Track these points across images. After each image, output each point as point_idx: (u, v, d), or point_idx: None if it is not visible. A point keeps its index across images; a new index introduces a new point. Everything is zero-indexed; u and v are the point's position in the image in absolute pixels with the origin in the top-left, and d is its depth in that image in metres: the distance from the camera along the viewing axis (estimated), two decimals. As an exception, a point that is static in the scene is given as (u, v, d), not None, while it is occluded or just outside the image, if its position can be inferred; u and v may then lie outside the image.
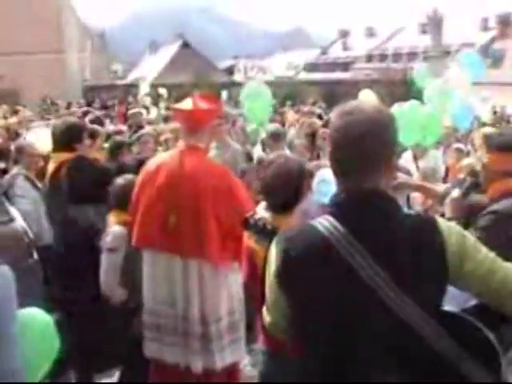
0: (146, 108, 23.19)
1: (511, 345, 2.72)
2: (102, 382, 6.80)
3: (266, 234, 3.85)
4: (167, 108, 24.34)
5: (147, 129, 11.24)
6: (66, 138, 6.73)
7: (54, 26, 47.07)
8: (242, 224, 4.09)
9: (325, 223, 2.63)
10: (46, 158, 7.87)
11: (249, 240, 4.24)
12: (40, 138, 12.14)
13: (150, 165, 5.67)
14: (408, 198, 7.39)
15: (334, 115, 2.77)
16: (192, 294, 5.34)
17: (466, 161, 9.97)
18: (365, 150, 2.62)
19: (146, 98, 27.19)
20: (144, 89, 32.70)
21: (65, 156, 6.66)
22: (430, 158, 10.28)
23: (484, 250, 2.66)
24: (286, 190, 4.13)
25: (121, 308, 6.55)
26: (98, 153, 8.11)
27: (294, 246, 2.69)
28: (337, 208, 2.69)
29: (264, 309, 3.06)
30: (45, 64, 44.72)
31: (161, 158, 5.70)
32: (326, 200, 5.88)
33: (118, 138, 8.92)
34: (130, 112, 17.28)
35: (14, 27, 46.01)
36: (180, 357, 5.49)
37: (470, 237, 2.68)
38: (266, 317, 3.06)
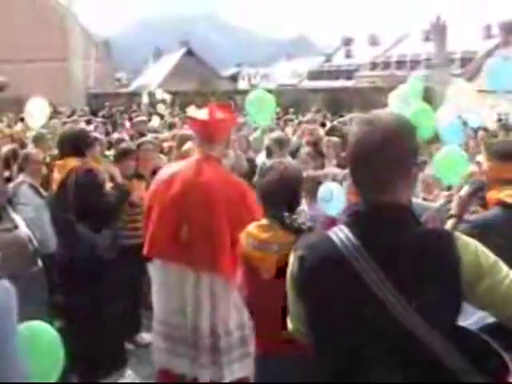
0: (161, 116, 23.11)
1: None
2: (102, 382, 6.82)
3: (302, 233, 3.85)
4: (171, 115, 24.33)
5: (148, 136, 11.23)
6: (76, 145, 6.73)
7: (58, 34, 47.16)
8: (279, 224, 4.11)
9: (339, 234, 2.65)
10: (51, 166, 7.88)
11: (248, 248, 4.23)
12: (37, 112, 12.16)
13: (164, 173, 5.67)
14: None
15: (353, 125, 2.75)
16: (203, 306, 5.35)
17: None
18: (383, 160, 2.59)
19: (161, 105, 27.07)
20: (146, 97, 32.66)
21: (73, 164, 6.66)
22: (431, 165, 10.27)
23: (504, 269, 2.59)
24: (283, 197, 4.13)
25: (120, 314, 6.60)
26: (95, 161, 8.07)
27: (310, 253, 2.73)
28: (352, 219, 2.70)
29: (288, 316, 3.08)
30: (49, 72, 44.82)
31: (176, 167, 5.67)
32: (331, 210, 5.87)
33: (124, 145, 8.91)
34: (135, 120, 17.26)
35: (17, 35, 46.17)
36: (188, 368, 5.49)
37: (490, 255, 2.61)
38: (289, 322, 3.09)
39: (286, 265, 2.96)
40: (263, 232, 4.13)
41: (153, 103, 30.07)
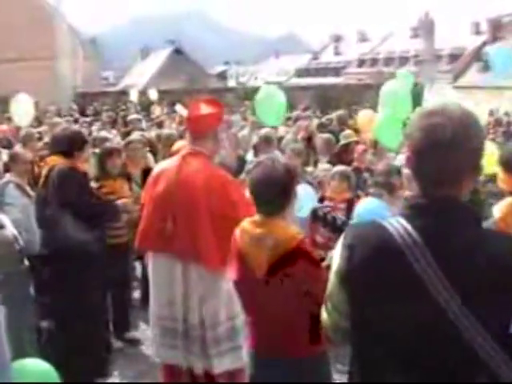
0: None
1: None
2: (102, 382, 6.82)
3: (335, 227, 3.79)
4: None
5: (136, 135, 11.18)
6: (66, 145, 6.70)
7: (45, 33, 47.00)
8: (311, 216, 4.06)
9: (395, 224, 2.51)
10: (40, 164, 7.84)
11: (242, 243, 4.19)
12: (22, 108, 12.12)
13: (156, 169, 5.85)
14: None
15: (417, 115, 2.61)
16: (191, 298, 5.41)
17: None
18: (452, 153, 2.46)
19: (154, 106, 27.01)
20: (133, 95, 32.62)
21: (58, 161, 6.64)
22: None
23: None
24: (272, 192, 4.08)
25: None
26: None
27: (361, 242, 2.59)
28: (412, 211, 2.56)
29: (323, 308, 2.90)
30: (36, 71, 44.68)
31: (164, 164, 5.82)
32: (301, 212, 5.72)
33: (108, 144, 8.88)
34: (130, 118, 17.15)
35: (4, 34, 46.01)
36: (182, 358, 5.57)
37: None
38: (324, 316, 2.90)
39: (278, 262, 2.90)
40: (256, 227, 4.09)
41: (143, 103, 30.01)
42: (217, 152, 5.77)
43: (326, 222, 3.87)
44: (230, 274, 4.32)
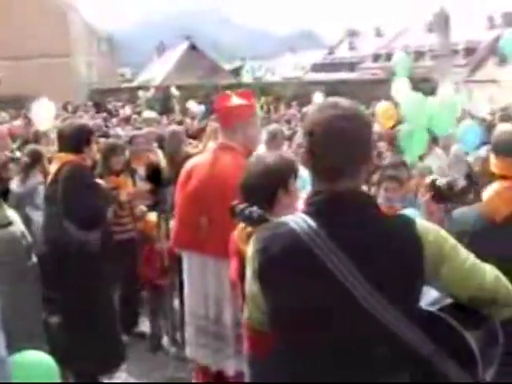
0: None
1: (489, 345, 2.69)
2: (102, 382, 6.82)
3: (252, 222, 3.78)
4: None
5: (144, 130, 11.20)
6: (74, 140, 6.67)
7: (60, 30, 47.18)
8: (229, 213, 4.03)
9: (301, 223, 2.59)
10: (50, 159, 7.85)
11: (239, 241, 4.18)
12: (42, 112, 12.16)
13: (188, 166, 5.73)
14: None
15: (312, 109, 2.72)
16: (225, 296, 5.33)
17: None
18: (347, 146, 2.56)
19: (193, 103, 26.96)
20: (150, 92, 32.65)
21: (68, 157, 6.60)
22: (434, 156, 10.25)
23: (464, 252, 2.66)
24: (259, 189, 4.06)
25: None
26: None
27: (269, 245, 2.66)
28: (313, 207, 2.64)
29: (245, 305, 3.03)
30: (51, 68, 44.80)
31: (196, 160, 5.74)
32: None
33: (111, 140, 8.91)
34: (146, 117, 17.07)
35: (20, 31, 46.13)
36: (211, 359, 5.52)
37: (450, 239, 2.66)
38: (245, 311, 3.03)
39: None
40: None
41: (166, 100, 29.95)
42: (249, 144, 5.61)
43: (243, 217, 3.86)
44: (230, 272, 4.32)
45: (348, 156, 2.58)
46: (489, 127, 13.11)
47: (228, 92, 5.82)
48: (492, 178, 4.00)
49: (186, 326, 5.83)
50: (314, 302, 2.56)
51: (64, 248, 6.34)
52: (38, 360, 3.78)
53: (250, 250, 2.79)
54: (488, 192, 3.92)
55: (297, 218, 2.63)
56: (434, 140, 10.67)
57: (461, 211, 4.09)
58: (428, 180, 8.51)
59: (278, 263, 2.63)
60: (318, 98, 20.30)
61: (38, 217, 7.34)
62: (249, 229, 4.02)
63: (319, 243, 2.52)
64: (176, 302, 7.35)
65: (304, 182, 4.99)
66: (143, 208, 7.93)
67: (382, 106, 13.56)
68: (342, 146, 2.56)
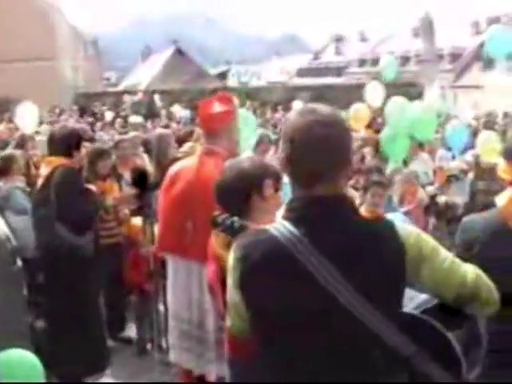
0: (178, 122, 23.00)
1: (472, 346, 2.74)
2: (102, 381, 6.83)
3: (234, 232, 3.78)
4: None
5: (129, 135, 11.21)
6: (65, 144, 6.67)
7: (46, 33, 47.03)
8: (211, 223, 4.03)
9: (281, 229, 2.60)
10: (38, 163, 7.82)
11: (216, 246, 4.19)
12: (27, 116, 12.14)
13: (172, 170, 5.74)
14: (390, 199, 7.39)
15: (292, 115, 2.73)
16: (208, 301, 5.27)
17: (452, 164, 10.02)
18: (326, 151, 2.59)
19: (177, 108, 26.90)
20: (128, 98, 32.59)
21: (61, 161, 6.61)
22: (420, 161, 10.31)
23: (443, 252, 2.68)
24: (232, 192, 4.06)
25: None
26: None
27: (250, 252, 2.66)
28: (294, 213, 2.65)
29: (227, 314, 3.03)
30: (37, 71, 44.66)
31: (180, 164, 5.75)
32: None
33: (98, 145, 8.92)
34: (132, 121, 17.03)
35: (5, 35, 45.91)
36: (195, 363, 5.52)
37: (429, 239, 2.69)
38: (227, 320, 3.02)
39: None
40: None
41: (151, 105, 29.89)
42: (233, 148, 5.65)
43: (224, 227, 3.87)
44: (208, 275, 4.33)
45: (327, 161, 2.59)
46: (474, 132, 13.21)
47: (209, 98, 5.82)
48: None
49: (170, 330, 5.83)
50: (296, 308, 2.56)
51: (55, 251, 6.33)
52: (23, 358, 3.77)
53: (230, 258, 2.78)
54: (502, 198, 3.93)
55: (277, 225, 2.64)
56: (420, 145, 10.72)
57: (470, 218, 4.09)
58: (429, 190, 8.66)
59: (260, 270, 2.63)
60: (298, 105, 20.42)
61: (16, 221, 7.28)
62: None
63: (301, 249, 2.53)
64: (161, 307, 7.35)
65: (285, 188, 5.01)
66: (126, 212, 7.93)
67: (353, 108, 13.62)
68: (321, 151, 2.58)
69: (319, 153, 2.57)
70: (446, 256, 2.68)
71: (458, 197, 8.81)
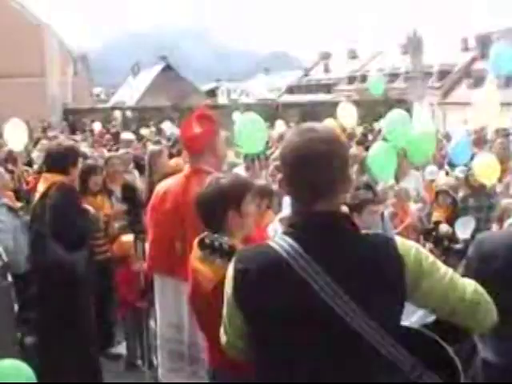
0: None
1: (471, 359, 2.76)
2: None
3: (222, 253, 3.81)
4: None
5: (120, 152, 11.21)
6: (62, 161, 6.68)
7: (35, 49, 46.90)
8: (198, 244, 4.04)
9: (281, 243, 2.64)
10: (37, 178, 7.80)
11: (193, 260, 4.18)
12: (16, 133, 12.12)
13: (159, 189, 5.67)
14: (382, 217, 7.38)
15: (291, 133, 2.77)
16: None
17: (442, 180, 10.02)
18: (325, 168, 2.63)
19: (167, 125, 26.82)
20: (118, 114, 32.60)
21: (57, 178, 6.59)
22: (412, 178, 10.31)
23: (443, 268, 2.71)
24: (209, 208, 4.11)
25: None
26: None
27: (250, 265, 2.70)
28: (294, 229, 2.70)
29: (221, 329, 3.05)
30: (25, 87, 44.53)
31: (169, 182, 5.67)
32: None
33: (89, 161, 8.91)
34: (124, 138, 17.02)
35: (-6, 51, 45.79)
36: (185, 381, 5.43)
37: (428, 255, 2.73)
38: (223, 336, 3.05)
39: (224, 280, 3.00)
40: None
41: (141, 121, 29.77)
42: (219, 163, 5.63)
43: (213, 249, 3.89)
44: (188, 292, 4.33)
45: (327, 178, 2.64)
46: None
47: (188, 118, 5.75)
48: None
49: (158, 349, 5.78)
50: (296, 320, 2.59)
51: (48, 268, 6.31)
52: (16, 368, 3.74)
53: (230, 270, 2.82)
54: None
55: (278, 239, 2.68)
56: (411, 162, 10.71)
57: (487, 235, 4.14)
58: (433, 218, 8.72)
59: (261, 282, 2.66)
60: (280, 125, 20.56)
61: (6, 239, 7.23)
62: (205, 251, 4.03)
63: (301, 262, 2.56)
64: (152, 323, 7.32)
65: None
66: (115, 228, 7.91)
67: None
68: (321, 168, 2.62)
69: (319, 170, 2.61)
70: (446, 271, 2.71)
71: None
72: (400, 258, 2.62)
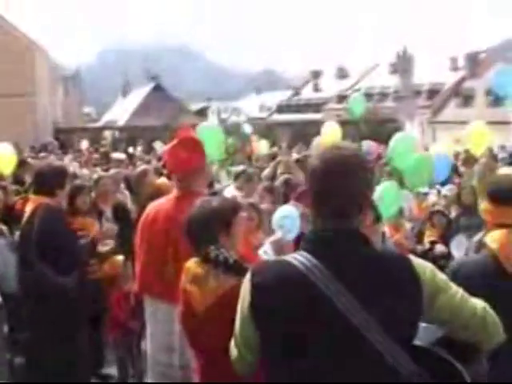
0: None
1: (481, 377, 2.81)
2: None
3: (227, 267, 3.81)
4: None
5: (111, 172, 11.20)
6: (49, 182, 6.63)
7: (25, 68, 46.92)
8: (203, 258, 4.04)
9: (300, 258, 2.69)
10: (25, 200, 7.79)
11: (185, 282, 4.17)
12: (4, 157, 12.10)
13: (150, 210, 5.67)
14: (383, 236, 7.39)
15: (316, 152, 2.84)
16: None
17: (433, 198, 10.04)
18: (347, 189, 2.73)
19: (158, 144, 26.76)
20: (108, 134, 32.63)
21: (43, 199, 6.55)
22: (404, 197, 10.30)
23: (454, 286, 2.81)
24: (199, 230, 4.13)
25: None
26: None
27: (266, 280, 2.76)
28: (313, 245, 2.75)
29: (232, 343, 3.07)
30: (15, 107, 44.45)
31: (159, 204, 5.67)
32: (291, 235, 5.88)
33: (78, 181, 8.89)
34: (115, 158, 17.00)
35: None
36: None
37: (440, 273, 2.82)
38: (233, 350, 3.06)
39: (217, 302, 2.99)
40: (198, 267, 4.07)
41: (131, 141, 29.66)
42: (207, 182, 5.66)
43: (217, 263, 3.89)
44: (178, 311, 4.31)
45: (349, 196, 2.74)
46: (453, 168, 13.30)
47: (174, 143, 5.72)
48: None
49: (148, 371, 5.75)
50: (312, 334, 2.64)
51: (38, 289, 6.27)
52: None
53: (245, 284, 2.87)
54: (493, 241, 3.89)
55: (296, 255, 2.73)
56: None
57: (461, 262, 4.22)
58: (426, 237, 8.79)
59: (274, 292, 2.72)
60: (263, 145, 20.62)
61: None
62: (199, 270, 4.03)
63: (320, 277, 2.62)
64: (144, 345, 7.28)
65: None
66: (103, 249, 7.86)
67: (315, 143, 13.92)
68: (343, 186, 2.72)
69: (341, 188, 2.71)
70: (457, 288, 2.82)
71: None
72: (418, 275, 2.70)
